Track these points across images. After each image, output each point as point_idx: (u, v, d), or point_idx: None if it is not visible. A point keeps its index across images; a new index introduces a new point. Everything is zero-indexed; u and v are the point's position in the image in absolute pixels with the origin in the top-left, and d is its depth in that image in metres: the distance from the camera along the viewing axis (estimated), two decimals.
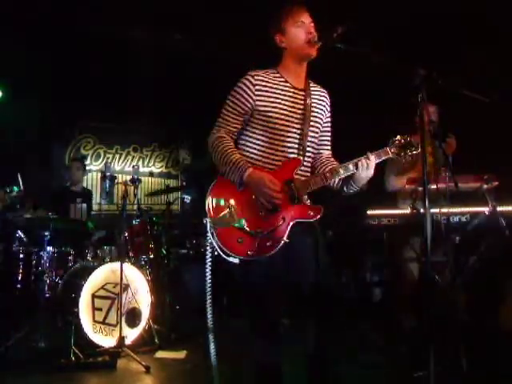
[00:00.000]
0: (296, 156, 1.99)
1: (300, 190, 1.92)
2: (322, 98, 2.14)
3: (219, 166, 1.93)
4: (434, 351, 1.76)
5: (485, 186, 3.08)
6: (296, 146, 2.00)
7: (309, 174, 2.05)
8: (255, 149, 1.99)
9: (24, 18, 4.77)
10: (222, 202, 1.89)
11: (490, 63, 4.20)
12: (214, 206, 1.89)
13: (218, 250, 1.85)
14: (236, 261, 1.85)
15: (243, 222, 1.85)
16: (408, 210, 3.11)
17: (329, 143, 2.21)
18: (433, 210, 2.31)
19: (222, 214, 1.87)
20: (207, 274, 1.90)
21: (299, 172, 1.99)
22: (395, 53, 1.90)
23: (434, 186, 2.55)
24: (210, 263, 1.90)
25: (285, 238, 1.86)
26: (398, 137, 2.01)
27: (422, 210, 2.82)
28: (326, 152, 2.19)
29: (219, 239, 1.85)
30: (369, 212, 3.33)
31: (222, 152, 1.92)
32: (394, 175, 3.45)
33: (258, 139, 1.98)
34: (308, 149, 2.04)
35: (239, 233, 1.85)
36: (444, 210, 2.94)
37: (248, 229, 1.85)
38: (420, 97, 1.85)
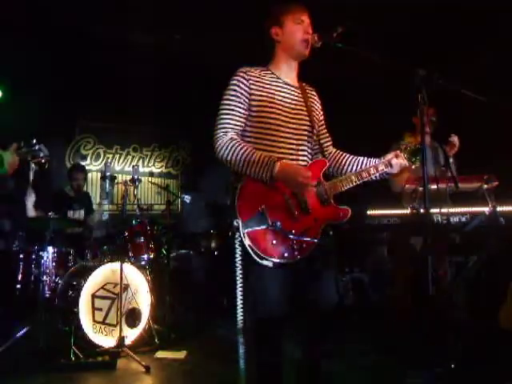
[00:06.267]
0: (294, 149, 1.97)
1: (329, 191, 1.94)
2: (312, 95, 2.16)
3: (242, 168, 1.84)
4: (434, 351, 1.76)
5: (485, 186, 3.08)
6: (295, 137, 1.98)
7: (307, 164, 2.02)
8: (254, 146, 1.92)
9: (24, 18, 4.77)
10: (253, 204, 1.82)
11: (491, 63, 4.20)
12: (245, 207, 1.82)
13: (251, 253, 1.78)
14: (270, 264, 1.80)
15: (278, 223, 1.80)
16: (408, 210, 3.11)
17: (330, 139, 2.22)
18: (433, 210, 2.30)
19: (254, 215, 1.81)
20: (238, 277, 1.84)
21: (300, 163, 1.97)
22: (395, 53, 1.90)
23: (434, 186, 2.55)
24: (240, 266, 1.84)
25: (317, 240, 1.85)
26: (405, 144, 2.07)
27: (421, 210, 2.82)
28: (333, 148, 2.21)
29: (252, 242, 1.78)
30: (369, 212, 3.32)
31: (242, 154, 1.84)
32: (394, 177, 3.43)
33: (256, 137, 1.94)
34: (304, 143, 2.02)
35: (273, 235, 1.80)
36: (444, 210, 2.94)
37: (283, 230, 1.81)
38: (420, 97, 1.84)
